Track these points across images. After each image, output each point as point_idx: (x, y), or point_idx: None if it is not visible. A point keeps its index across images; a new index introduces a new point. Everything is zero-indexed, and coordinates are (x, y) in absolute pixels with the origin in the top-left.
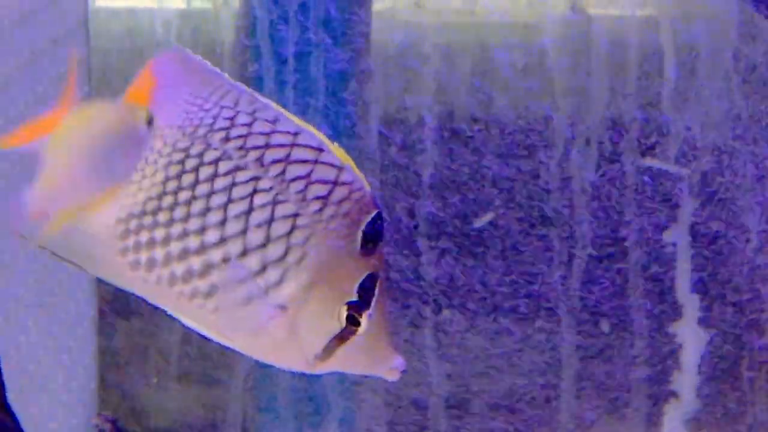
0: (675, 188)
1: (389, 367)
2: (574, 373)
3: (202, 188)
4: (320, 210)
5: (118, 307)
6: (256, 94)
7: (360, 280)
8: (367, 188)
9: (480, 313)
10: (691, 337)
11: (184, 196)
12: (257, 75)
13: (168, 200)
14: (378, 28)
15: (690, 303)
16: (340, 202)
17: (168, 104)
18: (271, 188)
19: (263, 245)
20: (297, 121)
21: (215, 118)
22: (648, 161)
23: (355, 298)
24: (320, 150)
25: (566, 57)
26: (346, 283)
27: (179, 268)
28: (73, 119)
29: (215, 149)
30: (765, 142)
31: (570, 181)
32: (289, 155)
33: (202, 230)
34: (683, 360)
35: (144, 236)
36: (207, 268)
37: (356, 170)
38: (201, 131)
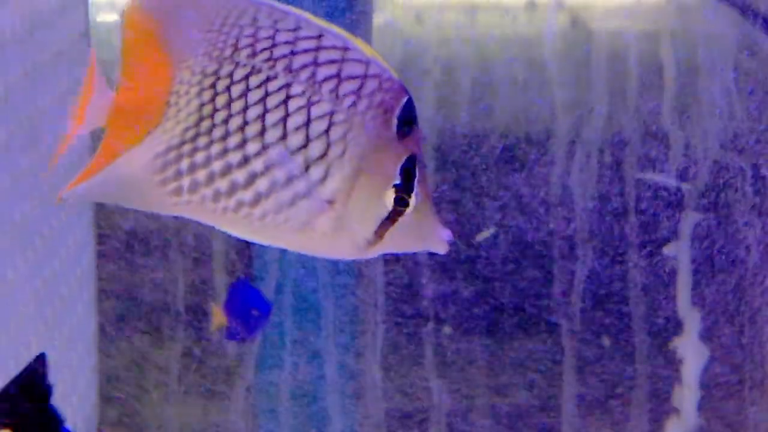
0: (675, 202)
1: (438, 240)
2: (574, 387)
3: (237, 105)
4: (354, 104)
5: (118, 322)
6: (276, 4)
7: (401, 163)
8: (396, 77)
9: (481, 329)
10: (692, 352)
11: (221, 116)
12: None
13: (206, 124)
14: (379, 42)
15: (691, 317)
16: (372, 93)
17: (185, 36)
18: (303, 92)
19: (304, 146)
20: (319, 22)
21: (237, 37)
22: (648, 175)
23: (398, 180)
24: (345, 48)
25: (566, 71)
26: (388, 168)
27: (223, 184)
28: None
29: (244, 66)
30: (765, 156)
31: (570, 195)
32: (316, 58)
33: (243, 144)
34: (684, 375)
35: (185, 163)
36: (251, 178)
37: (383, 61)
38: (227, 52)
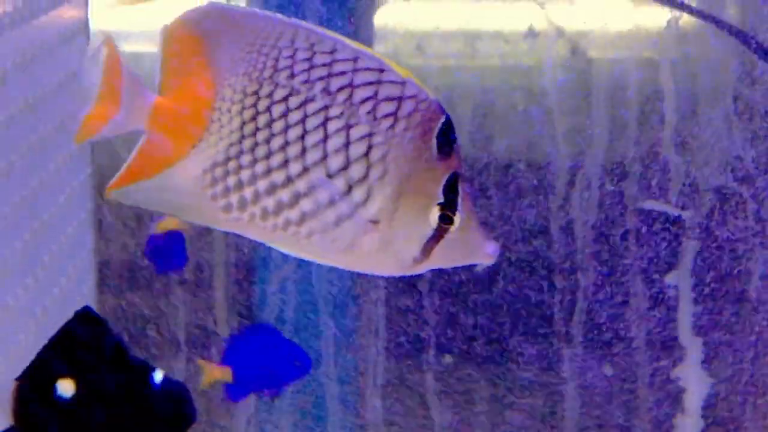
0: (676, 230)
1: (484, 254)
2: (577, 416)
3: (278, 125)
4: (392, 125)
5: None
6: (313, 27)
7: (443, 181)
8: (432, 97)
9: (482, 358)
10: (694, 381)
11: (262, 135)
12: None
13: (248, 143)
14: None
15: (693, 346)
16: (410, 114)
17: (227, 55)
18: (342, 114)
19: (345, 168)
20: (354, 45)
21: (276, 58)
22: (649, 203)
23: (442, 199)
24: (381, 70)
25: (567, 100)
26: (431, 188)
27: (269, 203)
28: None
29: (283, 87)
30: (765, 184)
31: (571, 224)
32: (352, 80)
33: (285, 164)
34: (686, 404)
35: (231, 180)
36: (295, 198)
37: (418, 82)
38: (266, 73)
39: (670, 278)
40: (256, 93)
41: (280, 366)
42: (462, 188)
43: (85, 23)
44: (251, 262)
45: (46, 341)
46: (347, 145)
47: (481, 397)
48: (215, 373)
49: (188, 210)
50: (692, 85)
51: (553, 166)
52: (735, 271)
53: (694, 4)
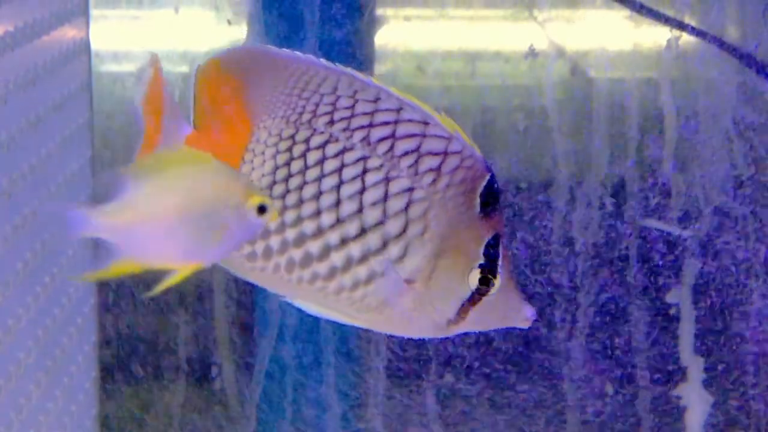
0: (677, 249)
1: (521, 318)
2: None
3: (313, 173)
4: (434, 181)
5: (119, 371)
6: (356, 73)
7: (485, 242)
8: (478, 154)
9: (483, 377)
10: (695, 400)
11: (295, 182)
12: None
13: (279, 188)
14: None
15: (694, 365)
16: (453, 171)
17: (265, 97)
18: (381, 166)
19: (381, 222)
20: (400, 94)
21: (317, 104)
22: (650, 223)
23: (482, 260)
24: (425, 123)
25: (567, 119)
26: (472, 248)
27: (297, 254)
28: (175, 165)
29: (321, 133)
30: (765, 203)
31: (572, 242)
32: (394, 132)
33: (317, 214)
34: (688, 423)
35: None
36: (325, 251)
37: (465, 137)
38: (305, 118)
39: (670, 297)
40: (292, 137)
41: None
42: (503, 249)
43: (86, 43)
44: (251, 283)
45: (47, 361)
46: (385, 198)
47: (481, 416)
48: None
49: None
50: (692, 105)
51: (553, 185)
52: (736, 290)
53: (694, 24)
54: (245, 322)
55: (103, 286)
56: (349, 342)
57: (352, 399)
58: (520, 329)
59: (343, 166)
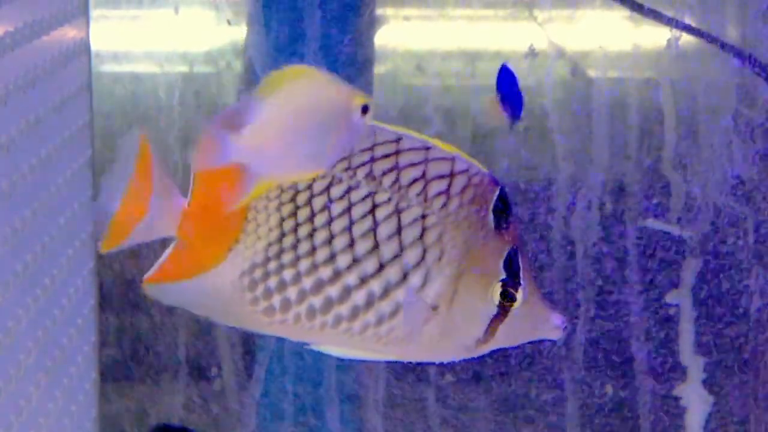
0: (677, 250)
1: (551, 328)
2: None
3: (321, 218)
4: (445, 204)
5: (119, 371)
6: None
7: (503, 257)
8: (484, 170)
9: (483, 377)
10: (695, 400)
11: (304, 230)
12: None
13: (289, 240)
14: (380, 92)
15: (694, 365)
16: (463, 191)
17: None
18: (390, 199)
19: (398, 255)
20: (392, 127)
21: None
22: (650, 223)
23: (503, 275)
24: (426, 148)
25: (567, 119)
26: (491, 264)
27: (317, 301)
28: (287, 82)
29: (323, 177)
30: (765, 202)
31: (572, 244)
32: (397, 162)
33: (332, 258)
34: (688, 423)
35: (273, 281)
36: (345, 293)
37: (467, 156)
38: None
39: (671, 297)
40: (294, 187)
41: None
42: (523, 261)
43: (86, 43)
44: None
45: (47, 362)
46: (399, 230)
47: (482, 415)
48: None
49: (227, 314)
50: (692, 105)
51: (553, 185)
52: (736, 290)
53: (694, 25)
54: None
55: (103, 287)
56: None
57: (352, 399)
58: (551, 340)
59: (351, 206)
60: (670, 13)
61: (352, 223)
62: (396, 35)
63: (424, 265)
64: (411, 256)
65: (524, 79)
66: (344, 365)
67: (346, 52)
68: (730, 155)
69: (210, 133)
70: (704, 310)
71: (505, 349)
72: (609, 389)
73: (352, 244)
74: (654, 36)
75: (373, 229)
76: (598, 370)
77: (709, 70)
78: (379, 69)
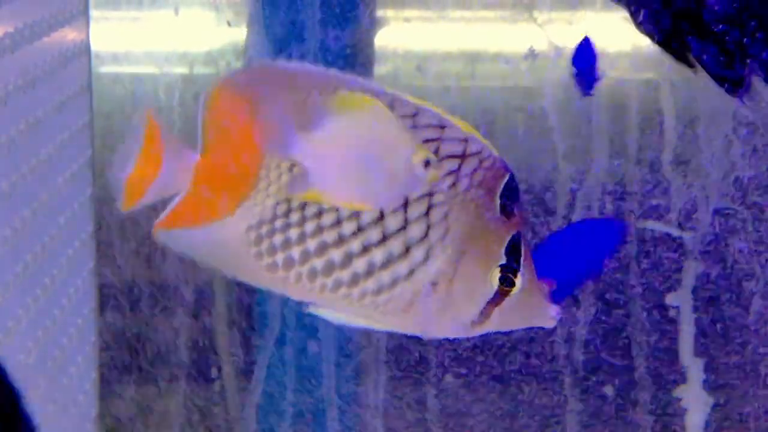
0: (677, 251)
1: (546, 317)
2: None
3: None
4: (454, 184)
5: (119, 372)
6: (367, 81)
7: (506, 242)
8: (496, 154)
9: (482, 378)
10: (695, 402)
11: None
12: None
13: (297, 201)
14: None
15: (694, 367)
16: (472, 173)
17: (277, 113)
18: None
19: (402, 228)
20: (414, 100)
21: None
22: (650, 224)
23: (504, 260)
24: (442, 126)
25: (567, 120)
26: (493, 248)
27: (319, 263)
28: (360, 109)
29: None
30: (766, 204)
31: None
32: (412, 137)
33: (338, 223)
34: (688, 425)
35: (278, 238)
36: (348, 259)
37: (481, 138)
38: None
39: (671, 299)
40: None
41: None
42: (525, 248)
43: (86, 44)
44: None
45: (46, 362)
46: (405, 204)
47: (481, 418)
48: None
49: (232, 266)
50: (693, 106)
51: (553, 186)
52: (736, 292)
53: None
54: (245, 323)
55: (103, 287)
56: (349, 344)
57: (352, 401)
58: (543, 328)
59: None
60: None
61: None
62: (396, 36)
63: (427, 242)
64: (415, 230)
65: (524, 80)
66: (345, 368)
67: (346, 54)
68: (730, 156)
69: (278, 120)
70: (704, 311)
71: (505, 351)
72: (609, 390)
73: (358, 212)
74: None
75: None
76: (598, 372)
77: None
78: (379, 70)
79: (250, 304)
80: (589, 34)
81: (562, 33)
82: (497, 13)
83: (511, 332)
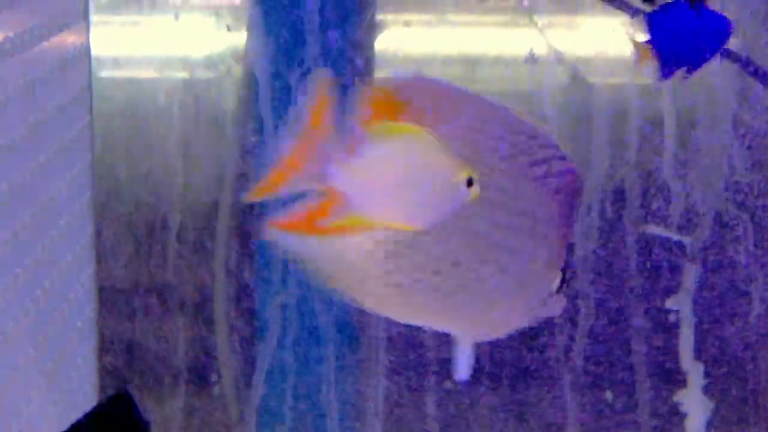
0: (677, 255)
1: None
2: None
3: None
4: (551, 201)
5: (119, 376)
6: (513, 111)
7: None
8: (573, 165)
9: (482, 383)
10: (695, 406)
11: (476, 223)
12: (260, 144)
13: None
14: None
15: (694, 371)
16: (568, 185)
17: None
18: (524, 191)
19: (516, 248)
20: (534, 123)
21: (482, 137)
22: (649, 229)
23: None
24: (562, 158)
25: (566, 125)
26: (561, 253)
27: (449, 283)
28: (400, 135)
29: (480, 165)
30: (765, 209)
31: (571, 249)
32: (534, 159)
33: (468, 244)
34: (688, 429)
35: (407, 257)
36: (477, 276)
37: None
38: (465, 150)
39: (670, 303)
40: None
41: (701, 38)
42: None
43: (87, 48)
44: (252, 287)
45: (47, 366)
46: (513, 218)
47: (481, 422)
48: (645, 52)
49: (347, 280)
50: (692, 111)
51: None
52: (736, 296)
53: None
54: (245, 327)
55: (103, 290)
56: (349, 347)
57: (351, 404)
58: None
59: (493, 192)
60: None
61: (493, 210)
62: (396, 40)
63: (534, 255)
64: (531, 243)
65: (524, 85)
66: (344, 372)
67: (346, 57)
68: (729, 161)
69: (317, 150)
70: (704, 315)
71: (505, 355)
72: (609, 395)
73: (489, 234)
74: None
75: (507, 224)
76: (598, 376)
77: (709, 76)
78: (379, 74)
79: (250, 308)
80: (589, 37)
81: (562, 37)
82: (497, 17)
83: (511, 336)
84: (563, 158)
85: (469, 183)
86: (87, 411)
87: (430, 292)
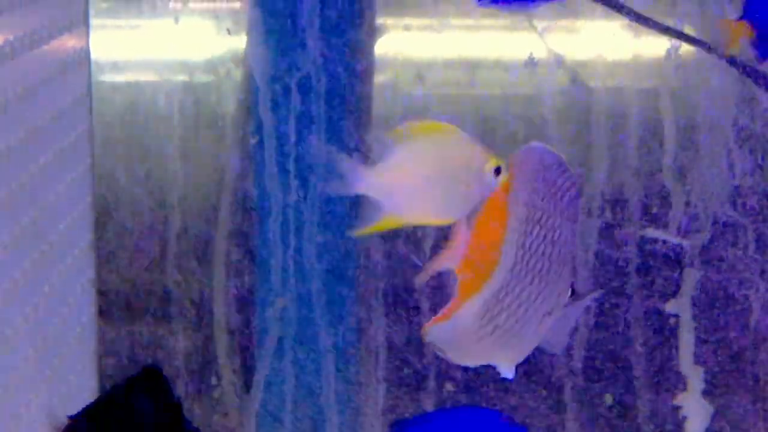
0: (677, 259)
1: None
2: None
3: (536, 246)
4: (572, 228)
5: (118, 380)
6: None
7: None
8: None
9: (483, 387)
10: (695, 409)
11: (530, 260)
12: (258, 147)
13: (518, 269)
14: (380, 101)
15: (694, 374)
16: (579, 209)
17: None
18: (560, 225)
19: (550, 271)
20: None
21: (541, 185)
22: (649, 232)
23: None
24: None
25: (566, 129)
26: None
27: (526, 325)
28: (425, 132)
29: (538, 209)
30: (765, 212)
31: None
32: (561, 198)
33: (532, 281)
34: None
35: (502, 309)
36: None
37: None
38: (531, 198)
39: (670, 307)
40: (527, 219)
41: None
42: None
43: (87, 52)
44: (251, 291)
45: (46, 370)
46: (551, 251)
47: None
48: (738, 30)
49: (456, 349)
50: (692, 114)
51: None
52: (736, 300)
53: (693, 34)
54: (245, 331)
55: (102, 294)
56: (348, 352)
57: (350, 409)
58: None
59: (540, 230)
60: (670, 23)
61: (543, 246)
62: (396, 44)
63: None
64: (553, 275)
65: (524, 89)
66: (343, 377)
67: (346, 62)
68: (729, 164)
69: (341, 162)
70: (704, 319)
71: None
72: (609, 399)
73: (548, 268)
74: (653, 46)
75: (551, 250)
76: (598, 380)
77: (709, 80)
78: (378, 78)
79: (249, 314)
80: (589, 41)
81: (562, 41)
82: (497, 21)
83: None
84: (566, 170)
85: (497, 171)
86: (117, 383)
87: (499, 337)
